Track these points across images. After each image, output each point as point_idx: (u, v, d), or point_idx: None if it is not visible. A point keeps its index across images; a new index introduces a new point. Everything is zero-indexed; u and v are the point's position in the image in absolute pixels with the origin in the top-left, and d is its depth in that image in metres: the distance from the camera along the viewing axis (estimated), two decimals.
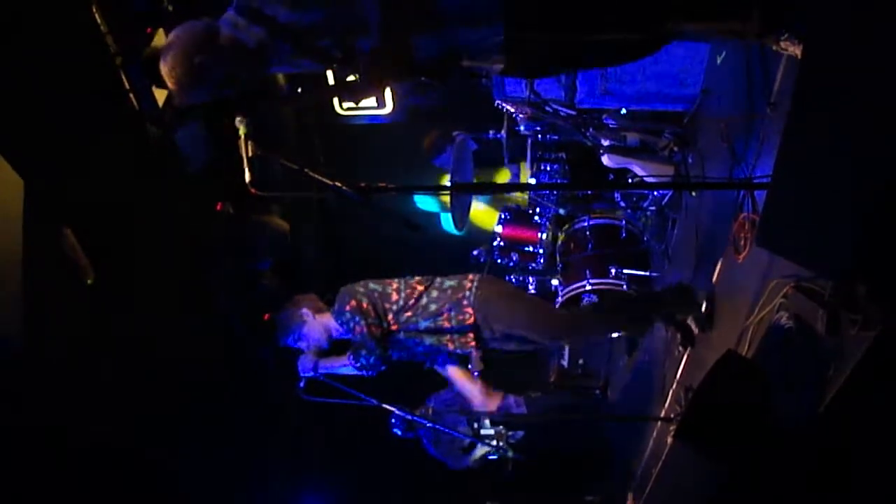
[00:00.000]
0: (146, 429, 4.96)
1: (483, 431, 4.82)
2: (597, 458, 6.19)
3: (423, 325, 3.94)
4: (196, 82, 2.73)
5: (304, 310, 4.08)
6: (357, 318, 3.89)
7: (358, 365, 4.00)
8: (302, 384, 4.07)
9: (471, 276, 4.06)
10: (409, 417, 4.14)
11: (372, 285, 4.03)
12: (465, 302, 3.93)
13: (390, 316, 3.94)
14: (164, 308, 5.31)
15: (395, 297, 3.98)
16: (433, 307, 3.94)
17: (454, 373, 4.24)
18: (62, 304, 4.25)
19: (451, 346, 3.99)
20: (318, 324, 4.06)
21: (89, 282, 4.44)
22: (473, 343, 3.96)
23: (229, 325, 6.58)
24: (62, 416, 4.18)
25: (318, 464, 7.33)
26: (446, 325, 3.93)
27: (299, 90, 6.29)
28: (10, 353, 3.72)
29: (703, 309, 3.98)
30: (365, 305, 3.90)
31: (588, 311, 4.77)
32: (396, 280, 4.08)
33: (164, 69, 2.72)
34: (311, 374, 4.07)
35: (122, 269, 4.74)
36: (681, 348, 4.22)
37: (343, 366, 4.04)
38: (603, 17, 2.69)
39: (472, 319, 3.91)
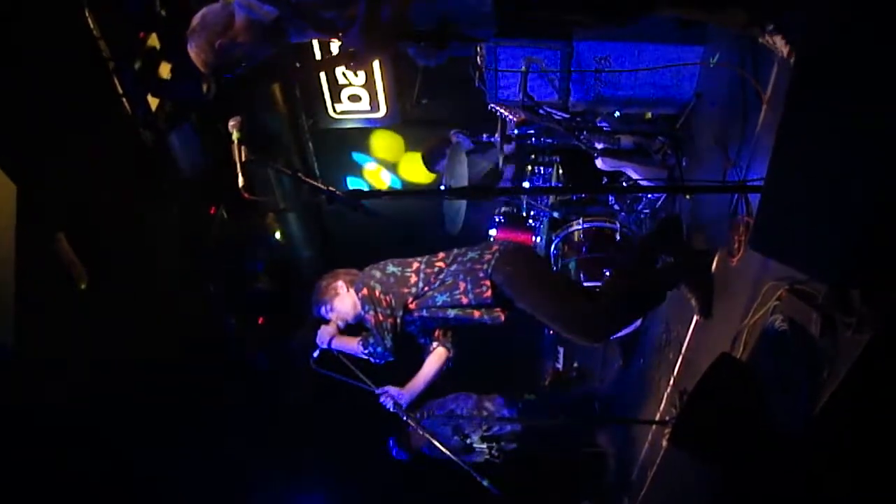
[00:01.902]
0: (144, 432, 4.96)
1: (475, 446, 4.81)
2: (592, 461, 6.19)
3: (440, 299, 3.76)
4: (222, 63, 3.00)
5: (341, 282, 4.00)
6: (367, 307, 3.78)
7: (365, 351, 3.92)
8: (315, 354, 4.04)
9: (494, 248, 3.82)
10: (403, 417, 4.12)
11: (391, 268, 3.87)
12: (481, 274, 3.69)
13: (409, 299, 3.78)
14: (159, 312, 5.30)
15: (413, 279, 3.81)
16: (449, 280, 3.74)
17: (435, 358, 4.02)
18: (55, 308, 4.24)
19: (477, 315, 3.78)
20: (349, 298, 3.96)
21: (83, 287, 4.43)
22: (501, 314, 3.76)
23: (224, 328, 6.58)
24: (57, 420, 4.17)
25: (317, 465, 7.32)
26: (463, 300, 3.72)
27: (297, 64, 6.33)
28: (1, 358, 3.71)
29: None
30: (377, 294, 3.77)
31: (616, 291, 3.95)
32: (419, 259, 3.90)
33: (191, 53, 3.00)
34: (325, 346, 4.01)
35: (115, 274, 4.74)
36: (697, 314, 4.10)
37: (354, 349, 3.97)
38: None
39: (489, 293, 3.68)
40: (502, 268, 3.70)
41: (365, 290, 3.80)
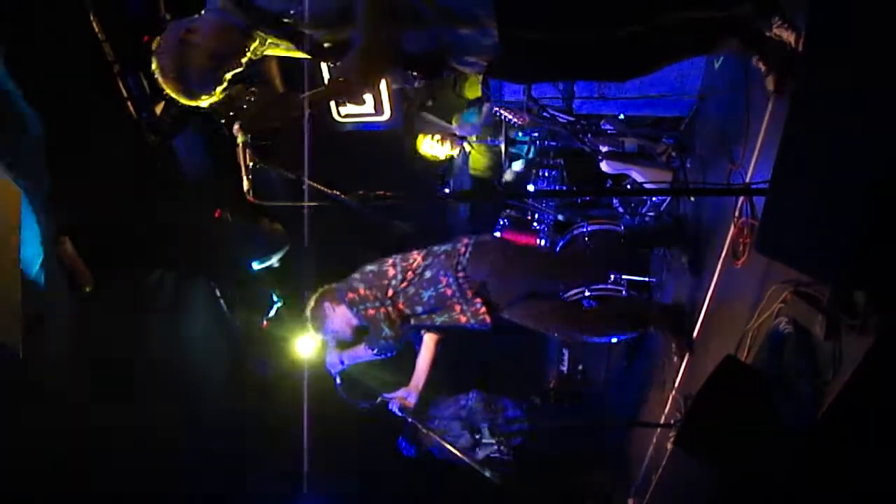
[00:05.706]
0: (145, 435, 4.95)
1: (484, 441, 4.84)
2: (597, 463, 6.17)
3: (426, 295, 3.92)
4: (197, 86, 2.86)
5: (326, 304, 4.11)
6: (356, 308, 3.96)
7: (373, 350, 4.07)
8: (338, 381, 4.22)
9: (465, 240, 4.04)
10: (410, 420, 4.20)
11: (369, 267, 4.09)
12: (458, 267, 3.91)
13: (390, 292, 3.94)
14: (163, 314, 5.30)
15: (391, 272, 4.00)
16: (428, 273, 3.93)
17: (426, 348, 4.30)
18: (61, 312, 4.24)
19: (463, 320, 3.97)
20: (338, 316, 4.08)
21: (88, 290, 4.44)
22: (485, 311, 3.92)
23: (229, 331, 6.57)
24: (61, 422, 4.17)
25: (316, 474, 7.29)
26: (447, 291, 3.90)
27: (288, 93, 6.29)
28: (9, 362, 3.71)
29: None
30: (363, 292, 3.95)
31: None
32: (394, 256, 4.10)
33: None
34: (341, 367, 4.21)
35: (120, 278, 4.74)
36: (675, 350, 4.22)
37: (363, 354, 4.13)
38: (598, 10, 2.68)
39: (468, 283, 3.90)
40: (474, 260, 3.92)
41: (350, 294, 3.99)
